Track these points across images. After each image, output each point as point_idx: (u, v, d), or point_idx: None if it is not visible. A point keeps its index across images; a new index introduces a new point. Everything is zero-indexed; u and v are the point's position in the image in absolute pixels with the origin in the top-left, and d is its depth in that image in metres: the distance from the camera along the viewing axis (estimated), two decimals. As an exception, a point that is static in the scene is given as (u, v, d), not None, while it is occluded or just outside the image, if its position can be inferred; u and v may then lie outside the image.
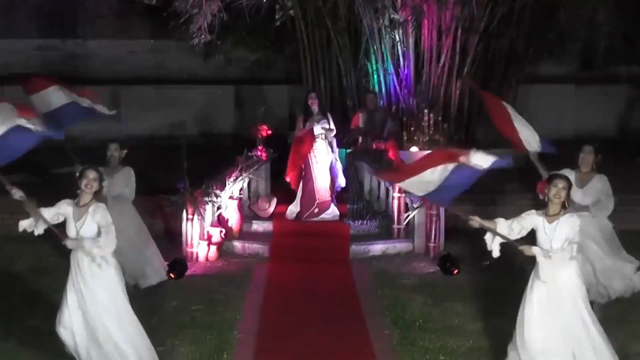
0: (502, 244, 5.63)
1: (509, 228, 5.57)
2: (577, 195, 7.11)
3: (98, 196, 5.72)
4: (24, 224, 5.73)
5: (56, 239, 5.67)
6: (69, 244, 5.59)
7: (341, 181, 10.92)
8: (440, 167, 5.80)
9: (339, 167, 10.91)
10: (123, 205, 7.87)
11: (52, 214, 5.67)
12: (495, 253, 5.60)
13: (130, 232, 7.89)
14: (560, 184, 5.48)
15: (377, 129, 11.81)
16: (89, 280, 5.58)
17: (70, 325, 5.64)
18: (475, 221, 5.57)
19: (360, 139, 11.84)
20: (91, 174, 5.66)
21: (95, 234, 5.59)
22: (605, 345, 5.46)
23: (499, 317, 7.12)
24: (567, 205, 5.53)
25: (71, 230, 5.60)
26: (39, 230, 5.71)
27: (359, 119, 12.02)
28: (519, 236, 5.58)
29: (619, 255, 7.67)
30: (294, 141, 10.66)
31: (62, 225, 5.70)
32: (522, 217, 5.58)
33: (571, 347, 5.42)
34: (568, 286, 5.43)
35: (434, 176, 5.81)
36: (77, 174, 5.78)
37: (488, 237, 5.62)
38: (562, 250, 5.37)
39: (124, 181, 7.90)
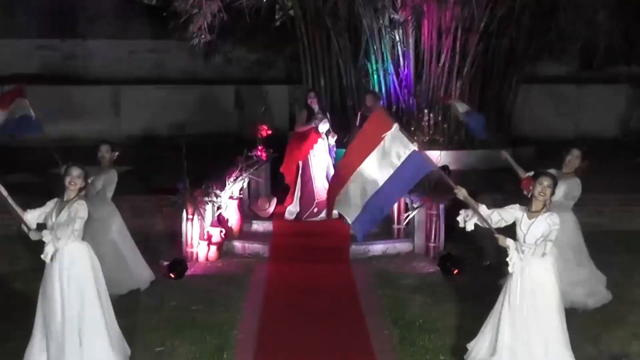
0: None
1: (489, 216, 5.59)
2: None
3: (84, 192, 5.75)
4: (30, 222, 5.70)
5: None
6: (31, 235, 5.61)
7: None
8: (358, 170, 5.67)
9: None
10: (103, 206, 7.85)
11: (38, 213, 5.69)
12: (468, 227, 5.65)
13: (110, 235, 7.88)
14: (546, 181, 5.49)
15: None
16: (64, 269, 5.55)
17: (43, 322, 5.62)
18: (461, 193, 5.58)
19: None
20: (75, 172, 5.68)
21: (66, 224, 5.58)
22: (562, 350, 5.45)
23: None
24: (548, 204, 5.53)
25: (48, 224, 5.62)
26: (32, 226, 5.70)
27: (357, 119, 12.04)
28: (495, 226, 5.61)
29: (587, 267, 7.60)
30: (295, 135, 10.61)
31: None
32: (504, 209, 5.61)
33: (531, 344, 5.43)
34: (540, 282, 5.44)
35: (353, 187, 5.70)
36: (63, 172, 5.78)
37: (464, 212, 5.67)
38: (534, 246, 5.40)
39: (104, 182, 7.85)
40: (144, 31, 18.60)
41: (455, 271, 8.69)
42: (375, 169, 5.68)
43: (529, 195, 5.57)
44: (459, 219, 5.69)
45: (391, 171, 5.63)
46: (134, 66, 18.73)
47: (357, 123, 12.00)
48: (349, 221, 5.88)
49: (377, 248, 9.69)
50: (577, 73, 18.17)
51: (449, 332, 6.81)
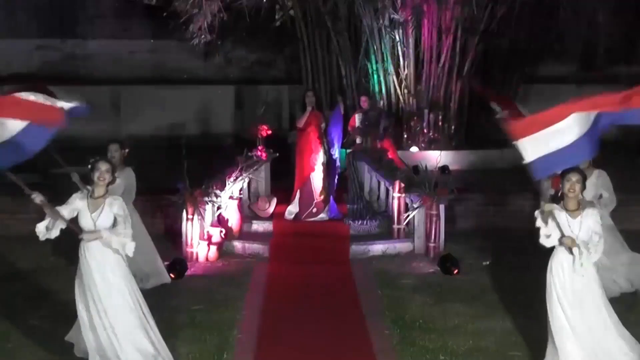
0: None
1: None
2: None
3: (110, 187, 5.75)
4: (42, 230, 5.64)
5: (75, 235, 5.64)
6: (86, 237, 5.58)
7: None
8: (585, 114, 5.25)
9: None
10: (130, 207, 7.84)
11: (67, 211, 5.66)
12: (551, 242, 5.49)
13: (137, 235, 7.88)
14: (574, 177, 5.44)
15: (372, 128, 11.83)
16: (101, 267, 5.58)
17: (91, 319, 5.63)
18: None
19: (358, 139, 11.85)
20: (103, 166, 5.66)
21: (111, 226, 5.60)
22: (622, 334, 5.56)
23: (499, 317, 7.13)
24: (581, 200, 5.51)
25: (87, 223, 5.60)
26: (55, 233, 5.65)
27: (355, 120, 12.05)
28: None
29: (624, 253, 7.72)
30: (299, 135, 10.57)
31: (75, 221, 5.69)
32: (545, 212, 5.49)
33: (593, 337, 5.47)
34: (588, 279, 5.46)
35: (571, 125, 5.24)
36: (89, 166, 5.73)
37: (548, 228, 5.49)
38: (596, 243, 5.37)
39: (125, 183, 7.85)
40: (144, 31, 18.59)
41: (455, 271, 8.68)
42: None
43: (559, 194, 5.51)
44: (542, 234, 5.52)
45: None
46: (134, 66, 18.72)
47: (356, 124, 12.04)
48: (531, 159, 5.35)
49: (377, 248, 9.68)
50: (577, 73, 18.17)
51: (449, 332, 6.80)
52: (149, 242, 8.25)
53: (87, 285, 5.61)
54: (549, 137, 5.29)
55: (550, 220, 5.46)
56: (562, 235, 5.40)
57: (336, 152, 10.69)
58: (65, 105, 5.83)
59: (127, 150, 8.01)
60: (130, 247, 5.63)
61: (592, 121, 5.27)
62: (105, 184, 5.67)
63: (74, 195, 5.70)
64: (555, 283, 5.51)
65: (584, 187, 5.52)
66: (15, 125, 5.49)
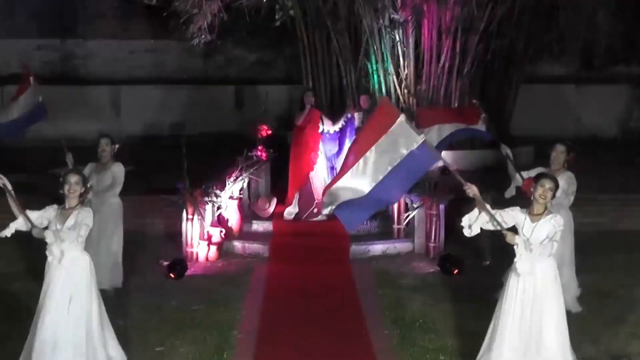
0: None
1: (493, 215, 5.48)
2: None
3: (84, 198, 5.70)
4: (18, 224, 5.64)
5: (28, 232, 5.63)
6: (34, 231, 5.54)
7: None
8: (360, 164, 5.44)
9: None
10: (108, 201, 7.84)
11: (36, 216, 5.62)
12: (473, 232, 5.46)
13: (110, 232, 7.87)
14: (547, 184, 5.41)
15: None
16: (59, 272, 5.54)
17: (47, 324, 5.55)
18: (472, 190, 5.37)
19: None
20: (73, 178, 5.61)
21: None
22: (561, 351, 5.41)
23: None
24: (549, 206, 5.47)
25: (52, 230, 5.56)
26: (10, 231, 5.64)
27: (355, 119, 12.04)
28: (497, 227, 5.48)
29: (573, 269, 7.52)
30: (295, 133, 10.57)
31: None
32: (506, 211, 5.48)
33: (529, 343, 5.40)
34: (543, 281, 5.40)
35: (355, 182, 5.45)
36: (60, 179, 5.70)
37: (467, 217, 5.48)
38: (542, 246, 5.32)
39: (114, 176, 7.84)
40: (144, 31, 18.60)
41: (455, 271, 8.68)
42: (380, 158, 5.48)
43: (531, 198, 5.50)
44: (463, 224, 5.50)
45: (397, 161, 5.43)
46: (134, 66, 18.73)
47: (356, 124, 12.02)
48: (334, 210, 5.56)
49: (377, 248, 9.68)
50: (577, 73, 18.18)
51: (449, 332, 6.81)
52: (118, 243, 8.07)
53: (46, 294, 5.56)
54: (347, 187, 5.48)
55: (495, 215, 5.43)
56: (505, 230, 5.36)
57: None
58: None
59: (117, 146, 7.99)
60: (55, 252, 5.54)
61: (374, 177, 5.42)
62: (77, 196, 5.61)
63: (50, 206, 5.66)
64: (508, 283, 5.54)
65: (554, 195, 5.49)
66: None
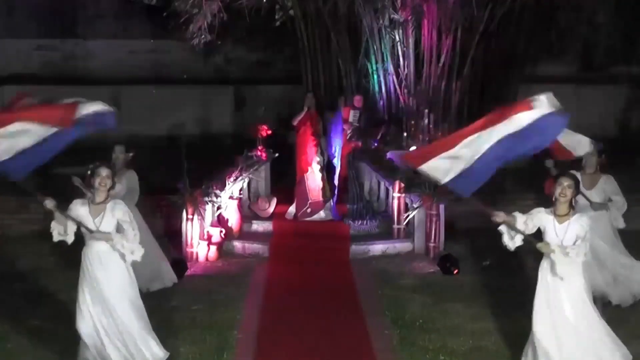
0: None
1: (524, 224, 5.47)
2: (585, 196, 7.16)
3: (111, 192, 5.72)
4: (57, 237, 5.60)
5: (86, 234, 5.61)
6: (98, 236, 5.54)
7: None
8: (475, 136, 5.29)
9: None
10: (132, 210, 7.82)
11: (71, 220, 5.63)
12: (513, 246, 5.47)
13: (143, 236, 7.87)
14: (566, 182, 5.42)
15: (370, 129, 11.89)
16: (105, 271, 5.56)
17: (91, 319, 5.59)
18: (500, 217, 5.43)
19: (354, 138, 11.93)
20: (104, 172, 5.63)
21: (114, 231, 5.58)
22: (605, 342, 5.45)
23: (499, 317, 7.13)
24: (574, 205, 5.49)
25: (89, 227, 5.57)
26: (71, 238, 5.59)
27: (349, 115, 12.06)
28: (530, 232, 5.49)
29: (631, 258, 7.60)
30: (297, 136, 10.60)
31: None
32: (533, 214, 5.49)
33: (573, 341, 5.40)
34: (574, 285, 5.40)
35: (466, 151, 5.28)
36: (89, 172, 5.71)
37: (507, 231, 5.49)
38: (577, 247, 5.33)
39: (128, 184, 7.86)
40: (144, 31, 18.59)
41: (455, 271, 8.69)
42: (495, 133, 5.32)
43: (552, 199, 5.49)
44: (505, 240, 5.50)
45: (512, 130, 5.27)
46: (134, 66, 18.72)
47: (350, 119, 12.05)
48: (446, 180, 5.35)
49: (377, 248, 9.69)
50: (577, 73, 18.16)
51: (449, 332, 6.81)
52: (154, 245, 8.20)
53: (92, 288, 5.57)
54: (448, 161, 5.35)
55: (527, 222, 5.44)
56: (540, 241, 5.39)
57: (337, 155, 10.69)
58: (86, 108, 5.72)
59: (131, 154, 8.02)
60: (138, 253, 5.61)
61: (491, 141, 5.27)
62: (107, 189, 5.63)
63: (75, 202, 5.66)
64: (541, 287, 5.51)
65: (577, 192, 5.49)
66: (35, 132, 5.39)
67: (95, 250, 5.59)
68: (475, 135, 5.34)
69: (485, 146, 5.28)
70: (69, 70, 18.72)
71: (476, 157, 5.28)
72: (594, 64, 17.37)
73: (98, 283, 5.56)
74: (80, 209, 5.59)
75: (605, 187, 7.30)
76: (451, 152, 5.36)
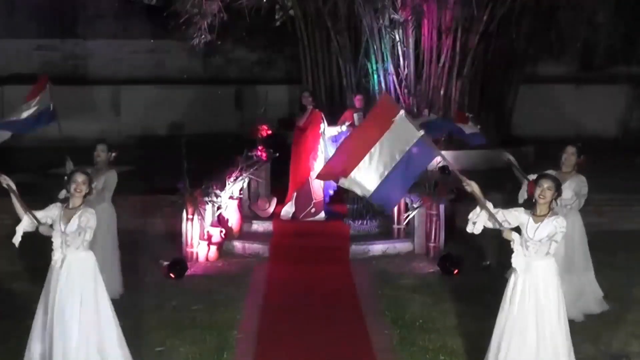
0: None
1: (503, 215, 5.46)
2: None
3: (88, 198, 5.68)
4: (24, 225, 5.63)
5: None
6: (41, 228, 5.54)
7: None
8: (377, 147, 5.50)
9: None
10: (100, 207, 7.79)
11: (41, 215, 5.62)
12: (477, 229, 5.48)
13: (103, 239, 7.81)
14: (545, 184, 5.39)
15: None
16: (68, 282, 5.50)
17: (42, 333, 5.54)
18: (470, 186, 5.41)
19: None
20: (80, 178, 5.58)
21: (75, 232, 5.53)
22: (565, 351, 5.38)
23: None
24: (552, 207, 5.44)
25: (57, 232, 5.55)
26: (18, 237, 5.63)
27: (353, 118, 12.05)
28: (508, 226, 5.46)
29: (590, 273, 7.48)
30: (295, 135, 10.58)
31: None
32: (509, 211, 5.48)
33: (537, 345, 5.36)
34: (542, 282, 5.37)
35: (375, 164, 5.48)
36: (65, 177, 5.69)
37: (472, 214, 5.50)
38: (540, 243, 5.32)
39: (105, 183, 7.79)
40: (144, 31, 18.61)
41: (455, 271, 8.68)
42: (383, 155, 5.53)
43: (533, 200, 5.48)
44: (469, 219, 5.51)
45: (398, 158, 5.49)
46: (134, 66, 18.74)
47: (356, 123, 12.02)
48: (367, 195, 5.59)
49: (377, 248, 9.68)
50: (577, 73, 18.18)
51: (449, 332, 6.81)
52: (112, 250, 8.00)
53: (53, 293, 5.52)
54: (365, 174, 5.51)
55: (505, 215, 5.43)
56: (504, 228, 5.38)
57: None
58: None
59: (113, 154, 7.93)
60: (57, 257, 5.54)
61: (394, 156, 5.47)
62: (82, 195, 5.58)
63: (53, 204, 5.64)
64: (508, 281, 5.53)
65: (557, 195, 5.45)
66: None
67: (65, 261, 5.53)
68: (366, 158, 5.54)
69: (375, 179, 5.52)
70: (69, 70, 18.74)
71: (386, 172, 5.50)
72: (594, 64, 17.39)
73: (57, 295, 5.49)
74: (55, 212, 5.59)
75: (573, 184, 7.19)
76: (362, 165, 5.55)
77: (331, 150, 10.70)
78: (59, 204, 5.66)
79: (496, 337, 5.52)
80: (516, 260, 5.38)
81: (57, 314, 5.45)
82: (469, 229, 5.52)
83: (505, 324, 5.47)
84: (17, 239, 5.67)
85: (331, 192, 10.81)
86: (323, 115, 10.63)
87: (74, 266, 5.53)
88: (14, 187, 5.65)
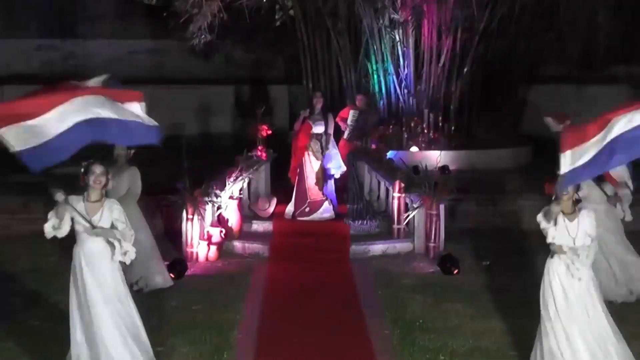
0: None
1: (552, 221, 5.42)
2: (594, 191, 7.25)
3: (105, 190, 5.64)
4: (49, 230, 5.51)
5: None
6: (99, 232, 5.48)
7: (335, 170, 10.80)
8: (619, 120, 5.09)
9: (333, 165, 10.78)
10: (128, 205, 7.83)
11: (52, 224, 5.55)
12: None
13: (137, 234, 7.85)
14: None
15: (363, 128, 11.94)
16: (95, 273, 5.49)
17: (80, 325, 5.54)
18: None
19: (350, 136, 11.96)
20: (98, 169, 5.55)
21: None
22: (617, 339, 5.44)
23: (499, 317, 7.13)
24: (576, 201, 5.47)
25: (82, 224, 5.51)
26: (65, 230, 5.53)
27: (349, 115, 12.06)
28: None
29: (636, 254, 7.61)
30: (294, 135, 10.62)
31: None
32: (551, 211, 5.41)
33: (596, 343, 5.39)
34: (583, 283, 5.38)
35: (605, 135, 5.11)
36: (82, 170, 5.63)
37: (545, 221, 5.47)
38: (588, 249, 5.34)
39: (130, 181, 7.86)
40: (144, 31, 18.62)
41: (455, 271, 8.68)
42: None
43: (553, 198, 5.46)
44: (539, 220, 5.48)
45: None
46: (134, 66, 18.74)
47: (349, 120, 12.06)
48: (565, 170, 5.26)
49: (377, 248, 9.68)
50: (577, 73, 18.18)
51: (449, 332, 6.80)
52: (152, 245, 8.18)
53: (82, 290, 5.51)
54: (586, 150, 5.22)
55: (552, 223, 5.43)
56: (551, 243, 5.40)
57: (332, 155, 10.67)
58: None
59: (132, 151, 8.01)
60: (131, 256, 5.57)
61: (622, 129, 5.11)
62: (101, 187, 5.55)
63: (71, 197, 5.56)
64: (553, 288, 5.47)
65: (577, 189, 5.47)
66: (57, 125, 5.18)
67: (87, 249, 5.52)
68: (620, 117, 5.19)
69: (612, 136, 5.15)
70: (69, 70, 18.72)
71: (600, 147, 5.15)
72: (594, 64, 17.38)
73: (86, 286, 5.49)
74: (78, 205, 5.52)
75: (617, 175, 7.25)
76: (597, 136, 5.20)
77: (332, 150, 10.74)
78: (74, 197, 5.52)
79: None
80: (577, 269, 5.33)
81: (91, 307, 5.47)
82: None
83: (566, 333, 5.41)
84: (63, 233, 5.55)
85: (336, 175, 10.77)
86: (331, 117, 10.59)
87: (98, 257, 5.52)
88: (64, 200, 5.50)
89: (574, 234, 5.38)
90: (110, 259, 5.54)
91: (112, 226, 5.55)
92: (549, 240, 5.45)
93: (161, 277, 8.18)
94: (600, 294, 5.50)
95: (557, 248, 5.39)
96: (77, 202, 5.54)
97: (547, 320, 5.50)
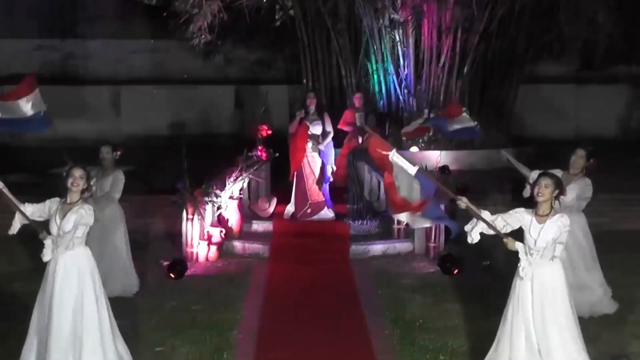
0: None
1: (503, 220, 5.41)
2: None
3: (86, 195, 5.67)
4: (18, 219, 5.62)
5: (34, 231, 5.56)
6: (41, 236, 5.49)
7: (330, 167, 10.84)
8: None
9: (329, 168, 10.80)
10: (110, 207, 7.82)
11: (35, 209, 5.63)
12: (474, 239, 5.42)
13: (114, 238, 7.85)
14: (543, 181, 5.30)
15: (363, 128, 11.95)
16: (64, 285, 5.46)
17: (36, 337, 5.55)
18: (463, 202, 5.41)
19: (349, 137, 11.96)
20: (77, 172, 5.58)
21: (72, 230, 5.50)
22: (577, 350, 5.33)
23: (499, 317, 7.12)
24: (554, 205, 5.37)
25: (52, 228, 5.53)
26: (15, 227, 5.62)
27: (355, 119, 12.05)
28: (501, 232, 5.40)
29: (595, 272, 7.40)
30: (290, 136, 10.63)
31: (45, 223, 5.64)
32: (509, 214, 5.42)
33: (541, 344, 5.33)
34: (550, 284, 5.31)
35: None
36: (64, 174, 5.68)
37: (469, 224, 5.45)
38: (544, 250, 5.25)
39: (112, 183, 7.83)
40: (144, 31, 18.62)
41: (455, 271, 8.68)
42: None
43: (534, 199, 5.42)
44: (467, 229, 5.45)
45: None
46: (134, 66, 18.75)
47: (355, 121, 12.05)
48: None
49: (377, 248, 9.68)
50: (577, 73, 18.19)
51: (449, 332, 6.81)
52: (127, 251, 8.06)
53: (49, 294, 5.48)
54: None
55: (506, 219, 5.40)
56: (504, 235, 5.32)
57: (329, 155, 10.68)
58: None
59: (118, 153, 7.99)
60: (45, 252, 5.47)
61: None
62: (79, 190, 5.56)
63: (51, 199, 5.64)
64: (515, 286, 5.46)
65: (559, 193, 5.35)
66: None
67: (59, 259, 5.48)
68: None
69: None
70: (69, 70, 18.76)
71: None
72: (594, 64, 17.38)
73: (53, 291, 5.44)
74: (52, 206, 5.59)
75: (577, 187, 7.13)
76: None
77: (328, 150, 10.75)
78: (57, 199, 5.64)
79: (501, 344, 5.47)
80: (524, 270, 5.29)
81: (58, 306, 5.42)
82: (468, 239, 5.46)
83: (510, 329, 5.42)
84: (13, 230, 5.67)
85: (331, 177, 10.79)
86: (327, 115, 10.60)
87: (68, 262, 5.49)
88: (1, 184, 5.67)
89: (535, 237, 5.26)
90: (84, 271, 5.52)
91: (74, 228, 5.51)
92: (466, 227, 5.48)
93: (120, 286, 7.79)
94: (567, 300, 5.34)
95: (510, 242, 5.28)
96: (54, 204, 5.60)
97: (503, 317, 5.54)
